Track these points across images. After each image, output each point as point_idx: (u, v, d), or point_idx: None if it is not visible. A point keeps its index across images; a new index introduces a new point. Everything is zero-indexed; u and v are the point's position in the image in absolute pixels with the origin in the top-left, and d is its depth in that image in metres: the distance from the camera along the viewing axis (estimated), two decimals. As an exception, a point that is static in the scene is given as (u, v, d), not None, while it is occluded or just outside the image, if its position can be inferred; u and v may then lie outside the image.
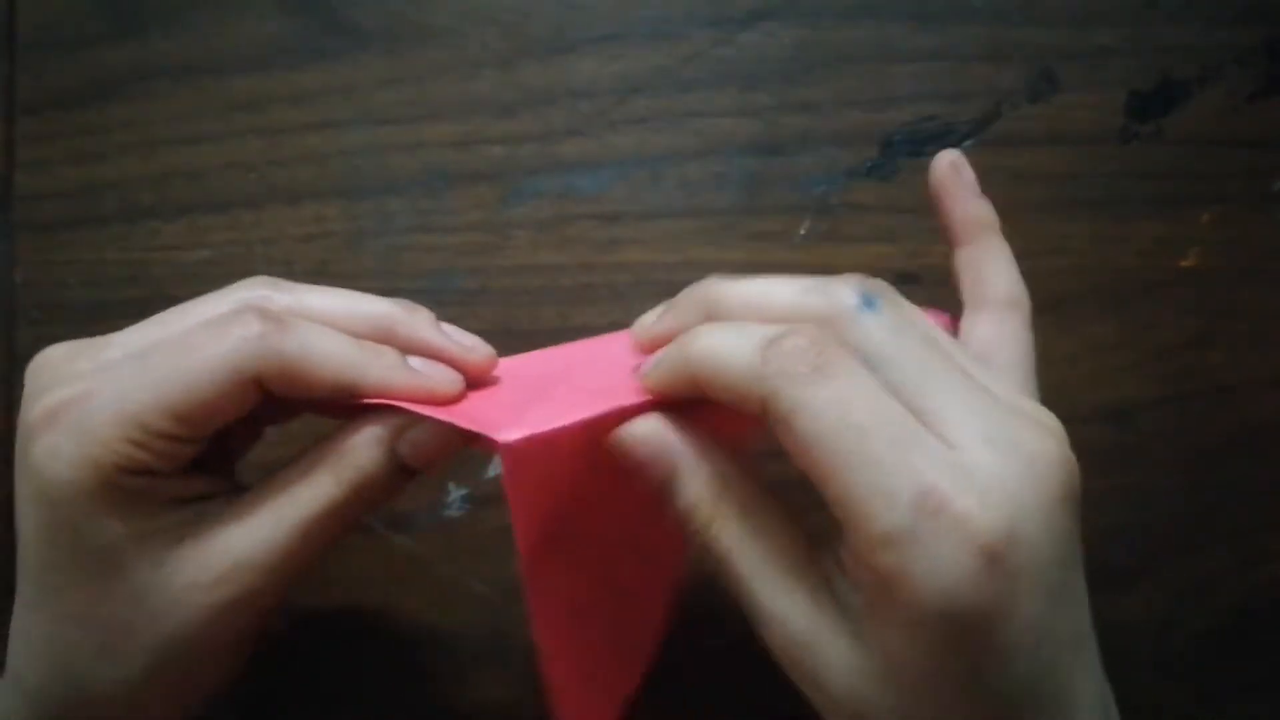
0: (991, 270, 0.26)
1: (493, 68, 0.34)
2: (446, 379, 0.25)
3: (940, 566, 0.19)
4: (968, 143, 0.34)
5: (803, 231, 0.34)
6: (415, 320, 0.26)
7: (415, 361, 0.25)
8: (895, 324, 0.22)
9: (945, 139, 0.34)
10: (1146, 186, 0.34)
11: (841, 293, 0.22)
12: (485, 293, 0.34)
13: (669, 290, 0.33)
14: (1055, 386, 0.33)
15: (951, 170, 0.27)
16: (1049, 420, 0.22)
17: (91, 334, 0.25)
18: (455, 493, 0.33)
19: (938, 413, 0.21)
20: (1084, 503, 0.33)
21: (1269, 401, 0.34)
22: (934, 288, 0.34)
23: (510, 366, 0.27)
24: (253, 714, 0.33)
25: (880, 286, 0.23)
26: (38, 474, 0.22)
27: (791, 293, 0.23)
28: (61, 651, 0.24)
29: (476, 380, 0.26)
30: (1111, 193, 0.34)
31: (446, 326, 0.26)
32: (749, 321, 0.23)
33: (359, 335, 0.25)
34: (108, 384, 0.23)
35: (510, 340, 0.33)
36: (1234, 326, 0.34)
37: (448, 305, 0.34)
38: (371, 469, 0.24)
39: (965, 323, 0.26)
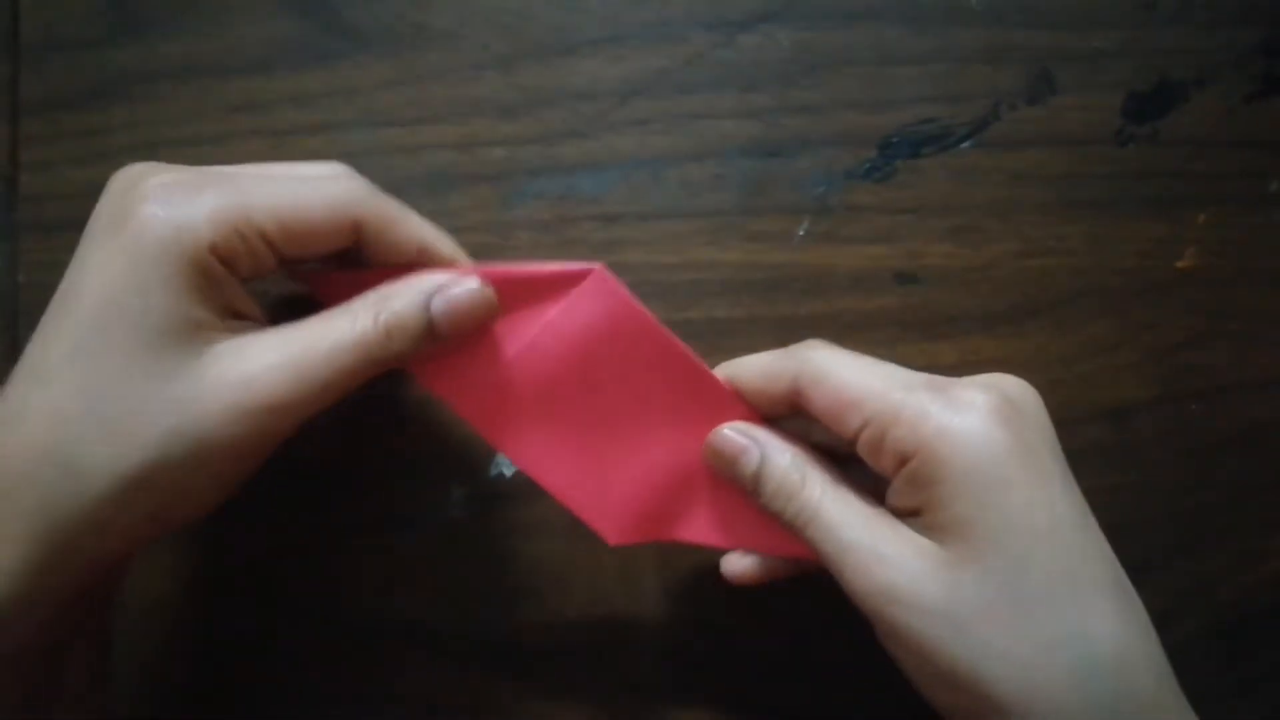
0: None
1: (494, 69, 0.34)
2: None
3: (967, 421, 0.25)
4: (966, 144, 0.34)
5: (801, 232, 0.34)
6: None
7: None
8: None
9: (943, 140, 0.34)
10: (1144, 188, 0.34)
11: None
12: (486, 293, 0.34)
13: (669, 290, 0.34)
14: (1053, 386, 0.34)
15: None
16: None
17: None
18: (456, 493, 0.33)
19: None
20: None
21: (1267, 401, 0.34)
22: (933, 288, 0.34)
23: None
24: (251, 714, 0.33)
25: None
26: (136, 232, 0.24)
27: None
28: (63, 425, 0.23)
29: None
30: (1109, 194, 0.34)
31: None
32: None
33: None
34: (225, 180, 0.25)
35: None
36: (1231, 326, 0.34)
37: (449, 306, 0.34)
38: (406, 313, 0.26)
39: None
